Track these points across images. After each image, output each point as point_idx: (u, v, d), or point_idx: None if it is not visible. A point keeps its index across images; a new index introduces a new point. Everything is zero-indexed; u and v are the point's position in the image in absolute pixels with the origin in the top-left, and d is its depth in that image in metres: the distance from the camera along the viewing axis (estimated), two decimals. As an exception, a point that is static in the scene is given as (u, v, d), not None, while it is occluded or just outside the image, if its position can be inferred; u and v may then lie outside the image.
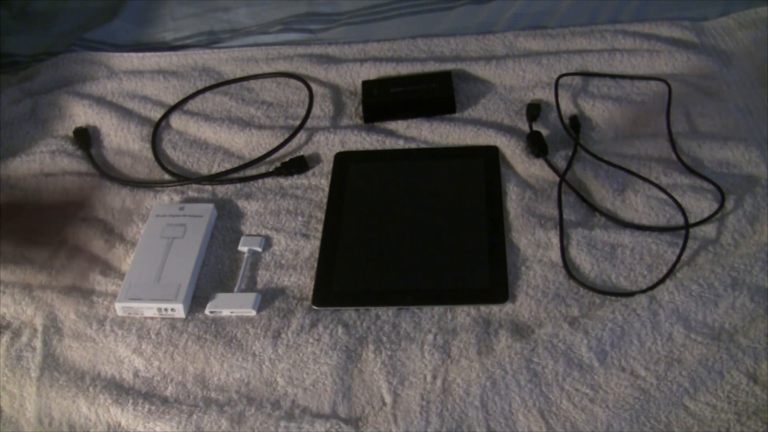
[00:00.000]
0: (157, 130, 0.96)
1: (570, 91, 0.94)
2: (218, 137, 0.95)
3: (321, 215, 0.84)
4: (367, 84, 0.98)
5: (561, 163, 0.85)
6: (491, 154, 0.87)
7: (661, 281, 0.73)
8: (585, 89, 0.94)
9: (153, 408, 0.69)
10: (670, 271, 0.73)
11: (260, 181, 0.89)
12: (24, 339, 0.75)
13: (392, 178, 0.87)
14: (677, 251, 0.75)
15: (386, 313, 0.74)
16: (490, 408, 0.65)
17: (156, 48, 1.10)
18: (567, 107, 0.92)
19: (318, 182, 0.88)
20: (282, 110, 0.97)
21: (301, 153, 0.91)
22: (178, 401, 0.70)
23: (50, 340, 0.75)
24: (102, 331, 0.75)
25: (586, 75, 0.95)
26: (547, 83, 0.95)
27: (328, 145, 0.92)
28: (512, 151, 0.87)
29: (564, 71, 0.95)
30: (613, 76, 0.95)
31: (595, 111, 0.91)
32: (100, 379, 0.72)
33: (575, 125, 0.89)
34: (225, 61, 1.06)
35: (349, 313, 0.74)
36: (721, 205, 0.78)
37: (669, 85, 0.91)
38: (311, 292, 0.76)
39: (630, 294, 0.72)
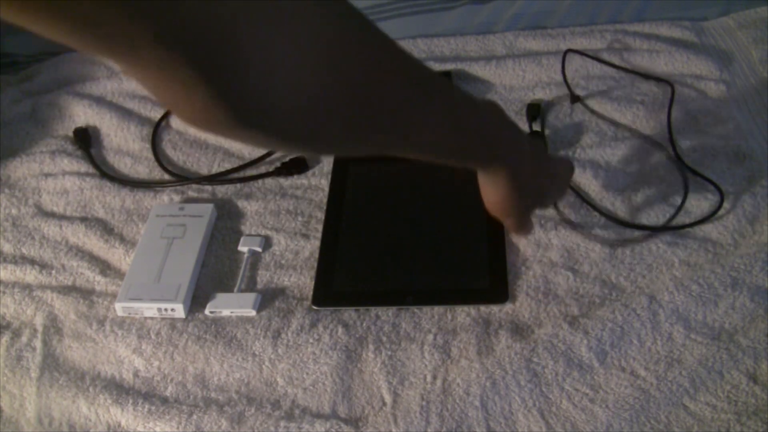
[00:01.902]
0: (157, 130, 0.96)
1: (572, 89, 0.94)
2: (218, 137, 0.95)
3: (321, 215, 0.84)
4: (367, 84, 0.98)
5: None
6: (491, 154, 0.87)
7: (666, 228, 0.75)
8: (589, 88, 0.94)
9: (153, 408, 0.69)
10: (674, 217, 0.74)
11: (260, 181, 0.89)
12: (24, 339, 0.75)
13: (392, 178, 0.87)
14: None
15: (386, 313, 0.74)
16: (490, 408, 0.65)
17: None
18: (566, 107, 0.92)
19: (318, 182, 0.88)
20: (282, 110, 0.97)
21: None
22: (178, 401, 0.70)
23: (50, 340, 0.75)
24: (102, 331, 0.75)
25: (592, 58, 0.95)
26: (547, 83, 0.95)
27: (328, 145, 0.92)
28: (512, 151, 0.87)
29: (564, 71, 0.95)
30: (619, 68, 0.95)
31: (598, 110, 0.91)
32: (100, 379, 0.72)
33: (575, 98, 0.92)
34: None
35: (349, 313, 0.74)
36: (720, 205, 0.78)
37: (672, 86, 0.91)
38: (311, 292, 0.76)
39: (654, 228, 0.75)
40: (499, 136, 0.58)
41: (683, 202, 0.80)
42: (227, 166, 0.91)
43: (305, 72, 0.40)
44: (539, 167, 0.64)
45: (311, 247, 0.81)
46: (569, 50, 0.96)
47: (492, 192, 0.62)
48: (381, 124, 0.47)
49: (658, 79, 0.93)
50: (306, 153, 0.83)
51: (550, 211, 0.80)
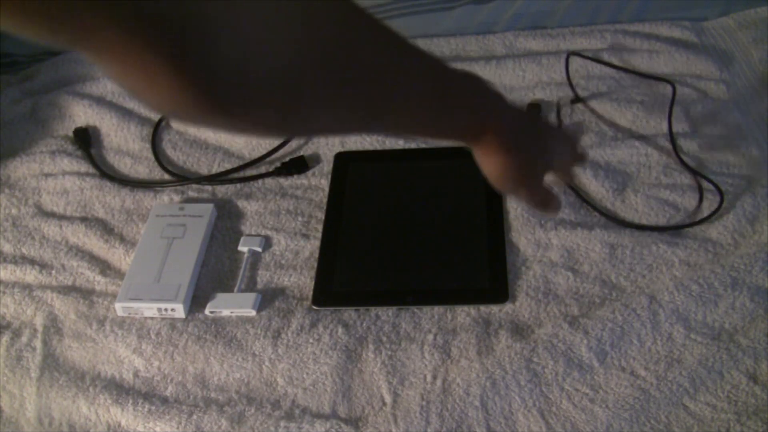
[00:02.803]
0: (157, 130, 0.96)
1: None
2: (218, 137, 0.95)
3: (321, 215, 0.84)
4: (367, 84, 0.98)
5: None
6: (491, 154, 0.87)
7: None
8: (589, 89, 0.94)
9: (153, 408, 0.69)
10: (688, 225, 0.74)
11: (260, 181, 0.89)
12: (24, 339, 0.75)
13: (392, 178, 0.87)
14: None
15: (386, 313, 0.74)
16: (490, 408, 0.65)
17: (156, 48, 1.10)
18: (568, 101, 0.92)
19: (318, 182, 0.88)
20: (282, 110, 0.97)
21: (301, 153, 0.91)
22: (178, 401, 0.70)
23: (50, 340, 0.75)
24: (102, 331, 0.75)
25: (594, 60, 0.95)
26: (547, 83, 0.95)
27: (328, 145, 0.92)
28: (512, 151, 0.87)
29: (563, 71, 0.95)
30: (620, 68, 0.95)
31: (598, 110, 0.91)
32: (100, 379, 0.72)
33: (577, 99, 0.91)
34: (225, 61, 1.05)
35: (349, 313, 0.74)
36: (720, 205, 0.78)
37: (674, 86, 0.91)
38: (311, 292, 0.76)
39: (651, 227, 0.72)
40: (483, 101, 0.56)
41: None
42: (227, 166, 0.91)
43: (278, 39, 0.38)
44: (534, 129, 0.61)
45: (311, 247, 0.81)
46: (571, 53, 0.96)
47: (492, 167, 0.59)
48: (359, 94, 0.45)
49: (659, 79, 0.93)
50: (282, 133, 0.74)
51: (550, 211, 0.80)
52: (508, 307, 0.73)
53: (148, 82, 0.36)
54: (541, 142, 0.62)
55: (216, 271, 0.80)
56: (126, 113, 0.99)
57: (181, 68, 0.36)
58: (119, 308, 0.76)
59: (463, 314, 0.73)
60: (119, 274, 0.80)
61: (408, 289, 0.76)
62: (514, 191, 0.63)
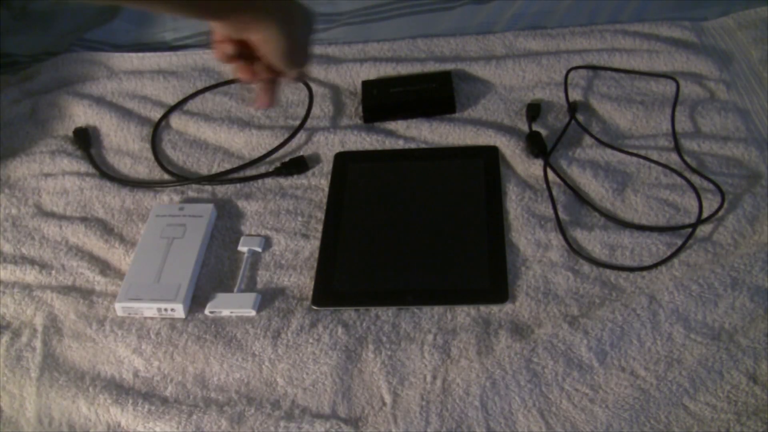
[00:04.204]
0: (157, 130, 0.96)
1: (573, 90, 0.94)
2: (218, 137, 0.95)
3: (321, 215, 0.84)
4: (366, 84, 0.98)
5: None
6: (491, 154, 0.87)
7: (669, 259, 0.74)
8: (589, 89, 0.94)
9: (153, 408, 0.69)
10: (679, 249, 0.74)
11: (260, 181, 0.89)
12: (24, 339, 0.75)
13: (392, 178, 0.87)
14: (677, 251, 0.75)
15: (386, 313, 0.74)
16: (490, 408, 0.65)
17: (156, 48, 1.10)
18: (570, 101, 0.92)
19: (318, 182, 0.88)
20: (282, 110, 0.97)
21: (301, 153, 0.91)
22: (178, 401, 0.70)
23: (50, 340, 0.75)
24: (102, 331, 0.75)
25: (596, 68, 0.95)
26: (547, 83, 0.95)
27: (328, 145, 0.92)
28: (512, 151, 0.87)
29: (564, 71, 0.95)
30: (623, 71, 0.95)
31: (598, 110, 0.91)
32: (100, 379, 0.72)
33: (574, 107, 0.90)
34: (225, 61, 1.06)
35: (349, 313, 0.74)
36: (721, 205, 0.78)
37: (677, 82, 0.91)
38: (311, 292, 0.76)
39: (639, 269, 0.73)
40: None
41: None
42: (227, 166, 0.91)
43: None
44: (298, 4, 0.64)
45: (311, 247, 0.81)
46: (571, 68, 0.95)
47: (276, 42, 0.61)
48: None
49: (664, 76, 0.93)
50: None
51: (551, 212, 0.80)
52: (508, 307, 0.73)
53: None
54: (303, 13, 0.65)
55: (216, 271, 0.80)
56: (126, 113, 0.99)
57: None
58: (119, 308, 0.76)
59: (463, 314, 0.73)
60: (119, 274, 0.80)
61: (408, 289, 0.76)
62: (296, 63, 0.65)
